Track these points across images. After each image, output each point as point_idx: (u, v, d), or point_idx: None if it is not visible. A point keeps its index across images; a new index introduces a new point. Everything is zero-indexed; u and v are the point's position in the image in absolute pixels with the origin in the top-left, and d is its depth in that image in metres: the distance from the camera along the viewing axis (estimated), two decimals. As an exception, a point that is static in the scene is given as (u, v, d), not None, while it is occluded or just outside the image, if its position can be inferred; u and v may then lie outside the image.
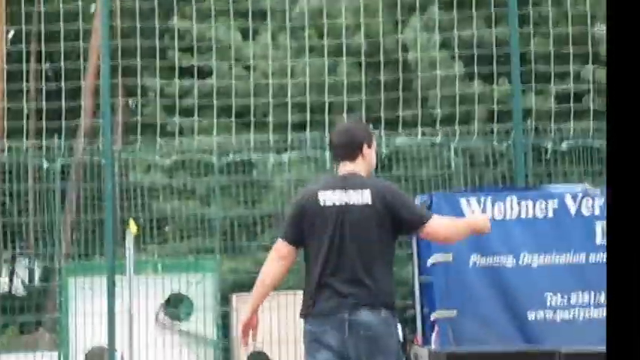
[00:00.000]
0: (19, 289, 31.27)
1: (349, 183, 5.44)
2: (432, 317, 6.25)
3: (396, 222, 5.37)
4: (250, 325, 5.53)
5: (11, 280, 30.90)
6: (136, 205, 19.39)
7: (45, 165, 13.31)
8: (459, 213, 6.19)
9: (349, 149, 5.54)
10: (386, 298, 5.32)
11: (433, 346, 6.09)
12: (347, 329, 5.26)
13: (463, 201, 6.25)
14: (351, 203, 5.36)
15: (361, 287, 5.29)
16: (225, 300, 18.65)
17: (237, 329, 16.00)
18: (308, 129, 9.00)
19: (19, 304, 24.36)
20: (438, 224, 5.42)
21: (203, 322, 18.25)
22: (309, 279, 5.42)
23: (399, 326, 5.67)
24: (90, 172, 19.45)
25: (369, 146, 5.62)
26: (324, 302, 5.33)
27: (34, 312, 21.57)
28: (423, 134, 10.48)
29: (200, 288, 18.43)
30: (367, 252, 5.33)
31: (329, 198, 5.39)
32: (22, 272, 31.36)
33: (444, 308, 6.07)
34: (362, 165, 5.55)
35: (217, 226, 19.57)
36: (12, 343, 21.09)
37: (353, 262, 5.31)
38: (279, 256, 5.43)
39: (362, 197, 5.36)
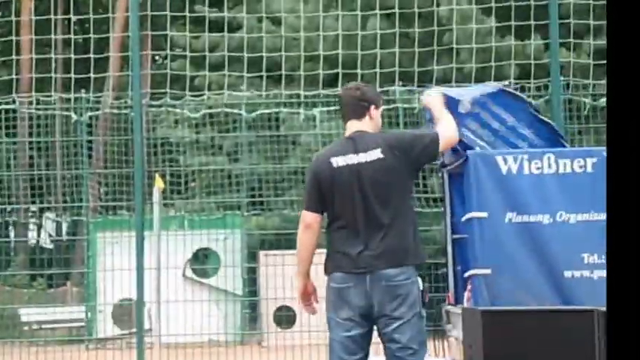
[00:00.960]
0: (46, 243, 31.50)
1: (359, 145, 5.55)
2: (466, 275, 6.13)
3: (414, 159, 5.51)
4: (307, 293, 5.65)
5: (39, 234, 31.11)
6: (163, 160, 19.39)
7: (73, 117, 13.23)
8: (496, 171, 6.07)
9: (358, 108, 5.64)
10: (407, 251, 5.44)
11: (466, 305, 5.99)
12: (368, 283, 5.39)
13: (500, 159, 6.11)
14: (364, 161, 5.49)
15: (383, 243, 5.40)
16: (252, 256, 18.69)
17: (263, 285, 16.06)
18: (339, 83, 8.82)
19: (46, 257, 24.55)
20: (445, 132, 5.60)
21: (230, 277, 18.36)
22: (333, 239, 5.55)
23: (419, 279, 5.71)
24: (117, 125, 19.46)
25: (377, 108, 5.71)
26: (346, 260, 5.45)
27: (62, 266, 21.72)
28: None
29: (227, 244, 18.51)
30: (385, 208, 5.44)
31: (342, 161, 5.51)
32: (49, 226, 31.57)
33: (479, 266, 5.94)
34: (369, 125, 5.65)
35: (244, 182, 19.59)
36: (40, 296, 21.25)
37: (373, 220, 5.43)
38: (304, 227, 5.57)
39: (373, 155, 5.49)
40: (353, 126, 5.65)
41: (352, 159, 5.51)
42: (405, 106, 13.20)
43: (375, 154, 5.49)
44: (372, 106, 5.68)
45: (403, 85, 10.76)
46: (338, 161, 5.53)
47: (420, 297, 5.57)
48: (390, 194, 5.46)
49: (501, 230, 6.00)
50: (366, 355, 5.62)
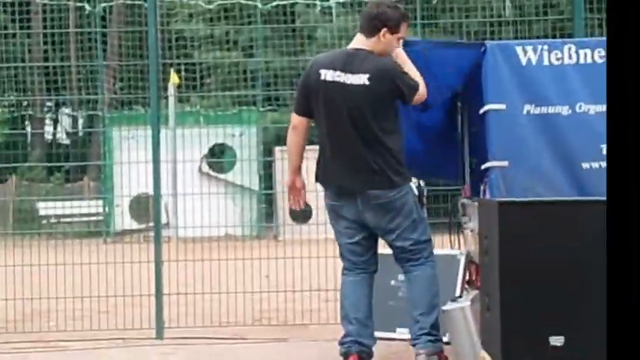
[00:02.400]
0: (63, 138, 31.61)
1: (352, 64, 5.46)
2: (483, 168, 6.10)
3: (395, 94, 5.50)
4: (295, 187, 5.74)
5: (55, 129, 31.19)
6: (178, 55, 19.31)
7: (87, 9, 13.08)
8: (514, 62, 5.96)
9: (369, 25, 5.53)
10: (391, 170, 5.49)
11: (483, 197, 5.97)
12: (360, 203, 5.50)
13: (519, 49, 5.99)
14: (348, 83, 5.44)
15: (366, 166, 5.44)
16: (267, 151, 18.73)
17: (279, 181, 16.11)
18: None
19: (63, 152, 24.69)
20: (421, 89, 5.59)
21: (246, 173, 18.45)
22: (320, 150, 5.61)
23: (413, 185, 5.76)
24: (131, 19, 19.31)
25: (392, 33, 5.55)
26: (335, 178, 5.53)
27: (79, 160, 21.84)
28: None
29: (242, 140, 18.55)
30: (366, 130, 5.44)
31: (330, 76, 5.46)
32: (65, 121, 31.64)
33: (496, 159, 5.91)
34: (376, 45, 5.53)
35: (260, 77, 19.52)
36: (57, 190, 21.45)
37: (354, 142, 5.44)
38: (291, 127, 5.64)
39: (359, 80, 5.43)
40: (359, 41, 5.58)
41: (340, 77, 5.46)
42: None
43: (362, 79, 5.43)
44: (386, 29, 5.52)
45: None
46: (327, 75, 5.48)
47: (416, 203, 5.68)
48: (370, 119, 5.45)
49: (519, 122, 5.93)
50: (375, 251, 5.76)
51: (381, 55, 5.55)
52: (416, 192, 5.83)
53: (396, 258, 5.73)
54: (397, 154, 5.56)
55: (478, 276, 6.05)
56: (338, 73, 5.46)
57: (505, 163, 5.92)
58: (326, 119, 5.50)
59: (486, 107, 5.97)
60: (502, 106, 5.99)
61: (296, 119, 5.64)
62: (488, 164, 5.93)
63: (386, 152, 5.49)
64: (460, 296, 6.14)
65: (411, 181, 5.76)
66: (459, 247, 6.68)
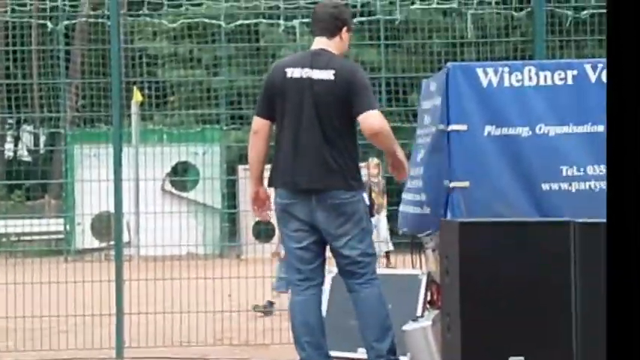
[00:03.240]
0: (24, 155, 31.35)
1: (317, 61, 5.51)
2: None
3: (350, 101, 5.45)
4: (259, 199, 5.68)
5: (16, 146, 30.92)
6: (141, 73, 19.23)
7: (49, 26, 12.99)
8: (475, 85, 6.00)
9: (331, 26, 5.61)
10: (349, 172, 5.50)
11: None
12: (314, 202, 5.45)
13: (480, 71, 6.03)
14: (315, 78, 5.46)
15: (325, 163, 5.44)
16: (231, 170, 18.69)
17: (242, 199, 16.09)
18: (319, -6, 8.69)
19: (24, 169, 24.46)
20: (380, 119, 5.48)
21: (209, 191, 18.39)
22: (278, 150, 5.54)
23: (364, 193, 5.82)
24: (94, 37, 19.21)
25: (349, 30, 5.71)
26: (291, 176, 5.46)
27: (40, 178, 21.67)
28: (439, 2, 10.06)
29: (205, 158, 18.50)
30: (330, 126, 5.45)
31: (296, 73, 5.49)
32: (26, 138, 31.39)
33: (457, 179, 5.94)
34: (337, 45, 5.62)
35: (223, 95, 19.50)
36: (18, 208, 21.25)
37: (317, 138, 5.45)
38: (253, 132, 5.58)
39: (326, 75, 5.46)
40: (321, 43, 5.61)
41: (307, 72, 5.48)
42: (387, 17, 13.03)
43: (328, 74, 5.46)
44: (345, 28, 5.65)
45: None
46: (293, 72, 5.50)
47: (366, 212, 5.69)
48: (333, 116, 5.46)
49: (480, 143, 5.97)
50: (324, 260, 5.66)
51: (342, 53, 5.67)
52: (367, 202, 5.87)
53: (341, 271, 5.63)
54: (355, 159, 5.59)
55: (439, 296, 6.06)
56: (306, 70, 5.49)
57: (466, 184, 5.94)
58: (290, 115, 5.47)
59: (449, 127, 6.00)
60: (464, 127, 6.02)
61: (258, 123, 5.56)
62: (450, 184, 5.96)
63: (346, 153, 5.50)
64: (421, 316, 6.15)
65: (364, 189, 5.82)
66: (421, 267, 6.70)
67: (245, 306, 8.08)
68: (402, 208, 6.55)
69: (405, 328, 5.76)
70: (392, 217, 13.78)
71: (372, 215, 5.93)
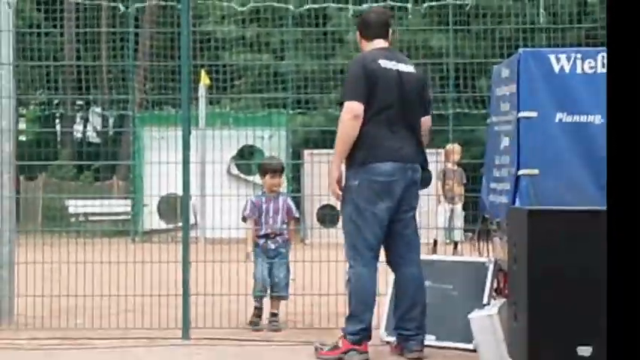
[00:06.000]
0: (93, 137, 31.77)
1: (396, 55, 6.25)
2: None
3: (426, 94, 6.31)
4: (339, 181, 6.08)
5: (85, 127, 31.36)
6: (209, 57, 19.36)
7: (121, 8, 13.13)
8: (547, 71, 5.93)
9: (385, 29, 6.27)
10: (424, 153, 6.20)
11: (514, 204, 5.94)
12: (409, 175, 6.03)
13: (552, 57, 5.96)
14: (404, 70, 6.13)
15: (416, 143, 6.10)
16: (296, 154, 18.73)
17: (307, 183, 16.13)
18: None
19: (93, 151, 24.80)
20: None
21: (273, 174, 18.39)
22: (375, 131, 5.97)
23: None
24: (163, 19, 19.38)
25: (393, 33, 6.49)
26: (394, 153, 5.98)
27: (108, 159, 21.96)
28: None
29: (272, 142, 18.55)
30: (416, 113, 6.15)
31: (388, 64, 6.08)
32: (95, 120, 31.80)
33: (526, 167, 5.88)
34: (389, 46, 6.32)
35: (290, 80, 19.53)
36: (86, 189, 21.56)
37: (410, 121, 6.09)
38: (354, 116, 5.95)
39: (409, 68, 6.19)
40: (380, 43, 6.21)
41: (395, 65, 6.10)
42: (458, 2, 12.96)
43: (410, 67, 6.19)
44: (391, 31, 6.39)
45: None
46: (386, 63, 6.07)
47: None
48: (417, 102, 6.15)
49: (551, 130, 5.91)
50: None
51: None
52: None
53: (396, 248, 6.10)
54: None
55: (506, 284, 6.02)
56: (393, 62, 6.11)
57: (535, 171, 5.89)
58: (385, 100, 5.98)
59: (519, 114, 5.95)
60: (534, 114, 5.96)
61: (359, 108, 5.94)
62: (519, 172, 5.90)
63: (419, 134, 6.17)
64: (488, 304, 6.11)
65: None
66: (488, 255, 6.65)
67: (309, 290, 8.09)
68: (492, 197, 6.51)
69: (471, 315, 5.73)
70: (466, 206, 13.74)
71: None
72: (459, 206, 13.91)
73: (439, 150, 15.55)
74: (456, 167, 13.99)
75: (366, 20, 6.33)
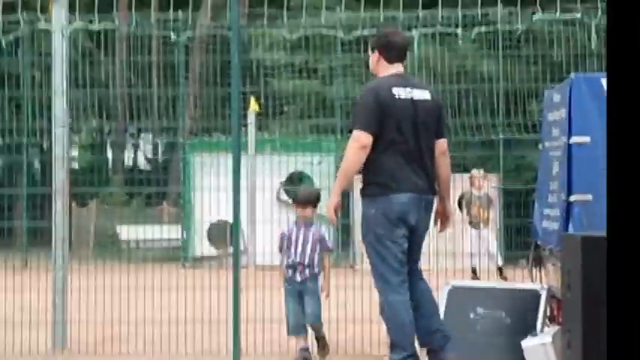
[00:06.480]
0: (143, 164, 32.06)
1: (411, 82, 6.16)
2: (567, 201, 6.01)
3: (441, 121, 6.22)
4: (338, 208, 6.05)
5: (135, 154, 31.67)
6: (258, 83, 19.48)
7: (172, 37, 13.25)
8: (599, 96, 5.88)
9: (405, 53, 6.27)
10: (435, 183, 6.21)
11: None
12: (422, 206, 6.02)
13: (604, 82, 5.91)
14: (418, 98, 6.04)
15: (427, 174, 6.05)
16: (345, 180, 18.65)
17: (356, 209, 16.11)
18: (439, 5, 8.58)
19: (143, 177, 25.02)
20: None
21: (324, 201, 18.38)
22: (389, 162, 5.95)
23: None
24: (213, 47, 19.54)
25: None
26: (408, 183, 5.96)
27: (158, 185, 22.13)
28: (562, 10, 9.80)
29: (321, 168, 18.57)
30: (429, 141, 6.08)
31: (402, 93, 6.00)
32: (146, 147, 32.11)
33: (579, 192, 5.82)
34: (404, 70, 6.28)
35: (339, 105, 19.57)
36: (137, 215, 21.73)
37: (422, 151, 6.02)
38: (361, 146, 5.90)
39: (425, 95, 6.09)
40: (399, 67, 6.16)
41: (409, 93, 6.02)
42: (508, 28, 12.88)
43: (426, 94, 6.10)
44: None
45: (504, 7, 10.44)
46: (399, 92, 6.00)
47: None
48: (432, 130, 6.09)
49: (603, 156, 5.84)
50: None
51: None
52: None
53: (410, 269, 6.04)
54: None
55: (560, 311, 5.95)
56: (407, 89, 6.04)
57: (588, 197, 5.83)
58: (399, 130, 5.96)
59: (571, 140, 5.90)
60: (586, 139, 5.91)
61: (368, 138, 5.90)
62: (571, 198, 5.85)
63: (433, 162, 6.12)
64: (541, 332, 6.04)
65: None
66: (541, 281, 6.58)
67: (360, 316, 8.06)
68: (545, 224, 6.44)
69: (524, 343, 5.67)
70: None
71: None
72: (484, 232, 13.82)
73: (488, 174, 15.42)
74: (481, 193, 13.94)
75: (391, 43, 6.20)
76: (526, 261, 7.41)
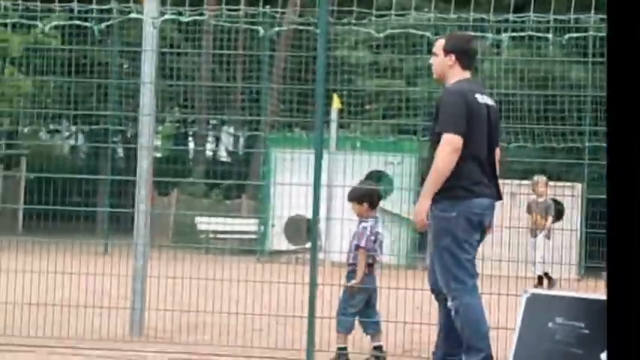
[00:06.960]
0: (224, 156, 32.33)
1: (482, 88, 6.32)
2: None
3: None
4: (428, 212, 6.06)
5: (216, 146, 31.97)
6: (341, 80, 19.49)
7: (260, 32, 13.33)
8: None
9: (475, 60, 6.37)
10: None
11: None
12: (491, 210, 6.15)
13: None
14: (490, 104, 6.19)
15: (496, 178, 6.19)
16: (423, 181, 18.57)
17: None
18: (531, 9, 8.46)
19: (224, 170, 25.26)
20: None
21: (404, 201, 18.37)
22: (468, 166, 6.00)
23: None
24: (299, 43, 19.62)
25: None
26: (487, 188, 6.08)
27: (238, 179, 22.31)
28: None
29: (401, 168, 18.52)
30: (495, 146, 6.24)
31: (481, 99, 6.12)
32: (227, 139, 32.38)
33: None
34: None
35: (421, 106, 19.48)
36: (216, 206, 21.94)
37: (493, 156, 6.18)
38: (454, 149, 5.93)
39: (492, 101, 6.25)
40: (469, 74, 6.26)
41: (484, 99, 6.15)
42: (600, 34, 12.65)
43: (492, 100, 6.26)
44: None
45: (596, 13, 10.29)
46: (479, 97, 6.12)
47: None
48: (496, 136, 6.28)
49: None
50: None
51: None
52: None
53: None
54: None
55: None
56: (483, 96, 6.18)
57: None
58: (477, 134, 6.04)
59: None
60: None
61: (459, 142, 5.95)
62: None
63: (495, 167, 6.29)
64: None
65: None
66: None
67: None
68: None
69: (603, 356, 5.56)
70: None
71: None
72: (538, 239, 13.68)
73: (575, 184, 15.17)
74: (542, 199, 13.80)
75: (467, 49, 6.25)
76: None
